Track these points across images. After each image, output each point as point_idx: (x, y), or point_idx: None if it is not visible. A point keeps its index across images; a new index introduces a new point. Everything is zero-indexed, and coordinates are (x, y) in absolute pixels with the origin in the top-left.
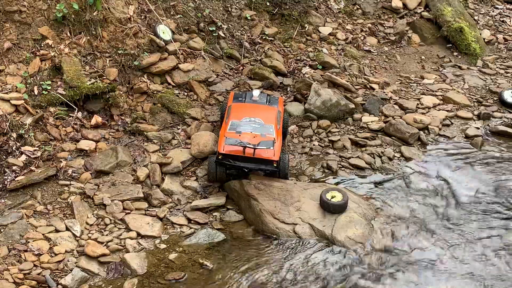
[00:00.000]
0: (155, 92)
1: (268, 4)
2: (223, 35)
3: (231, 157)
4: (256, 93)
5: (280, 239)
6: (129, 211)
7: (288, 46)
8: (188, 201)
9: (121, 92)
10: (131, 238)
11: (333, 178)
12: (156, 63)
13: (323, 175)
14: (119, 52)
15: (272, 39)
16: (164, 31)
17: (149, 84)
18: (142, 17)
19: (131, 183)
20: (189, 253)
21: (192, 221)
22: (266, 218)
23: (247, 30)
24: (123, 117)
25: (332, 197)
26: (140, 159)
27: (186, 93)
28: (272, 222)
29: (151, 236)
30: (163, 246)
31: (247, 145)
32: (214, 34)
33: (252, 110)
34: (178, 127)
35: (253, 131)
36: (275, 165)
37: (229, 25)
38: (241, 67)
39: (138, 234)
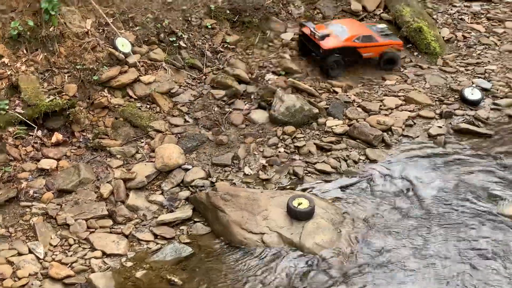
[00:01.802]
0: (116, 106)
1: (228, 12)
2: (184, 45)
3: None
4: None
5: (249, 250)
6: (93, 230)
7: (250, 54)
8: (154, 216)
9: (82, 108)
10: (96, 258)
11: (300, 184)
12: (116, 77)
13: (290, 182)
14: (78, 67)
15: (234, 47)
16: (123, 44)
17: (110, 99)
18: (100, 30)
19: (95, 200)
20: (156, 269)
21: (158, 237)
22: (233, 229)
23: (208, 39)
24: (84, 134)
25: (299, 204)
26: (103, 175)
27: (148, 106)
28: (239, 232)
29: (117, 254)
30: (129, 264)
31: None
32: (174, 44)
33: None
34: (142, 140)
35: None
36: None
37: (190, 35)
38: (204, 77)
39: (104, 253)
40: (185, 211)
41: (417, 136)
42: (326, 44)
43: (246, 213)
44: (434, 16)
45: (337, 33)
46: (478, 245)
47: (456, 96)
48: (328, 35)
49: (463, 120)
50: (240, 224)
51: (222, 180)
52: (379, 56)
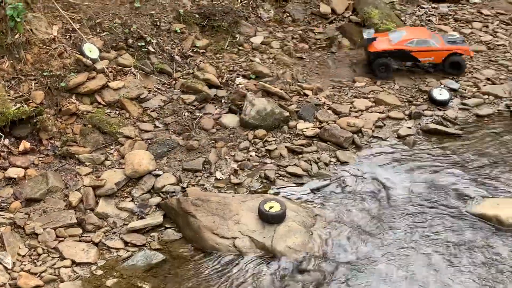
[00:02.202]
0: (85, 112)
1: (197, 16)
2: (153, 50)
3: None
4: None
5: (221, 255)
6: (62, 239)
7: (220, 58)
8: (124, 223)
9: (49, 115)
10: (66, 267)
11: (272, 188)
12: (84, 83)
13: (261, 185)
14: (45, 74)
15: (204, 51)
16: (91, 50)
17: (78, 105)
18: (67, 36)
19: (64, 209)
20: (127, 277)
21: (129, 244)
22: (205, 234)
23: (178, 44)
24: (52, 141)
25: (270, 208)
26: (72, 183)
27: (117, 112)
28: (211, 238)
29: (86, 263)
30: (99, 272)
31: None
32: (143, 49)
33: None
34: (111, 147)
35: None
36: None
37: (159, 40)
38: (174, 82)
39: (73, 262)
40: (156, 218)
41: (387, 137)
42: (374, 47)
43: (217, 218)
44: (403, 18)
45: (392, 38)
46: (447, 244)
47: (425, 97)
48: (375, 39)
49: (432, 121)
50: (211, 229)
51: (193, 185)
52: (441, 61)
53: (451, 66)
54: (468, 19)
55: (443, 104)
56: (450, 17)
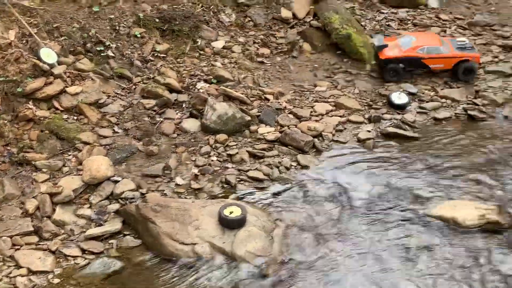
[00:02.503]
0: (42, 118)
1: (157, 20)
2: (112, 54)
3: None
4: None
5: (180, 261)
6: (18, 247)
7: (181, 62)
8: (82, 231)
9: (5, 121)
10: (22, 275)
11: (233, 192)
12: (41, 88)
13: (222, 190)
14: (1, 79)
15: (165, 55)
16: (48, 55)
17: (35, 111)
18: (24, 41)
19: (20, 216)
20: (84, 285)
21: (86, 252)
22: (164, 240)
23: (138, 48)
24: (8, 148)
25: (231, 213)
26: (28, 190)
27: (75, 117)
28: (170, 244)
29: (43, 271)
30: (56, 280)
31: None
32: (102, 54)
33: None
34: (69, 153)
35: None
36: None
37: (118, 44)
38: (134, 86)
39: (29, 271)
40: (114, 224)
41: (347, 141)
42: (385, 53)
43: (177, 224)
44: (363, 23)
45: (403, 44)
46: (406, 245)
47: (384, 101)
48: (386, 45)
49: (391, 124)
50: (170, 235)
51: (153, 191)
52: (451, 68)
53: (463, 73)
54: (426, 24)
55: (401, 108)
56: (409, 22)
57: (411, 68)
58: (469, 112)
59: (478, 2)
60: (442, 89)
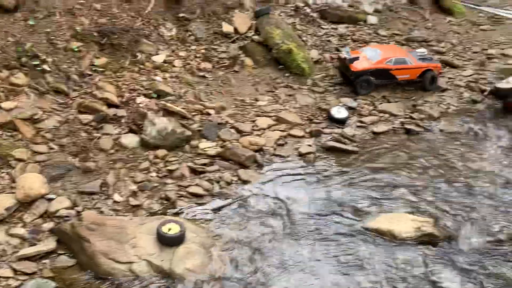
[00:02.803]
0: None
1: (95, 34)
2: (48, 69)
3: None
4: None
5: (116, 280)
6: None
7: (120, 77)
8: (14, 251)
9: None
10: None
11: (172, 209)
12: None
13: (162, 207)
14: None
15: (103, 70)
16: None
17: None
18: None
19: None
20: None
21: (18, 272)
22: (100, 259)
23: (75, 62)
24: None
25: (169, 230)
26: None
27: (9, 133)
28: (106, 263)
29: None
30: None
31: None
32: (38, 68)
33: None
34: (2, 170)
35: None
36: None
37: (55, 58)
38: (70, 101)
39: None
40: (49, 244)
41: (288, 155)
42: (357, 66)
43: (113, 242)
44: (304, 38)
45: (370, 56)
46: (344, 258)
47: (325, 115)
48: (357, 58)
49: (331, 138)
50: (107, 254)
51: (89, 208)
52: (416, 78)
53: (430, 82)
54: (365, 39)
55: (341, 122)
56: (348, 37)
57: (380, 79)
58: (406, 126)
59: (415, 18)
60: (380, 104)
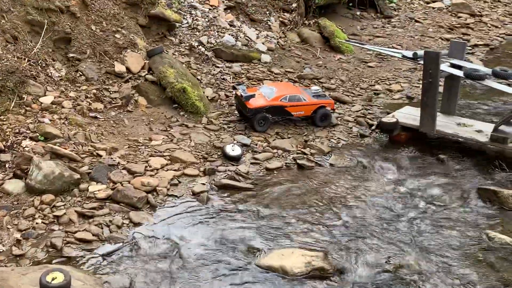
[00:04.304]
0: None
1: None
2: None
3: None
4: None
5: None
6: None
7: (4, 120)
8: None
9: None
10: None
11: (58, 257)
12: None
13: (47, 255)
14: None
15: None
16: None
17: None
18: None
19: None
20: None
21: None
22: None
23: None
24: None
25: (53, 279)
26: None
27: None
28: None
29: None
30: None
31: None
32: None
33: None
34: None
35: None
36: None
37: None
38: None
39: None
40: None
41: (182, 195)
42: (253, 103)
43: None
44: (199, 77)
45: (266, 94)
46: None
47: (219, 153)
48: (253, 96)
49: (225, 176)
50: None
51: None
52: (310, 114)
53: (321, 119)
54: (259, 77)
55: (235, 160)
56: (243, 75)
57: (276, 116)
58: (298, 161)
59: (307, 56)
60: (274, 140)
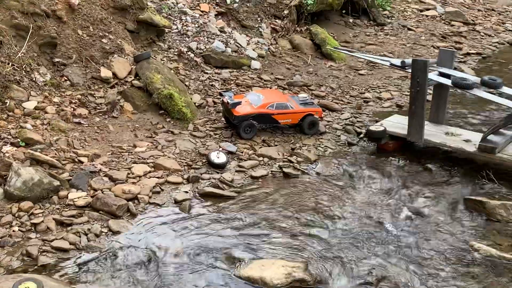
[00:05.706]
0: None
1: None
2: None
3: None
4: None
5: None
6: None
7: None
8: None
9: None
10: None
11: (33, 266)
12: None
13: (22, 264)
14: None
15: None
16: None
17: None
18: None
19: None
20: None
21: None
22: None
23: None
24: None
25: None
26: None
27: None
28: None
29: None
30: None
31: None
32: None
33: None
34: None
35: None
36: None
37: None
38: None
39: None
40: None
41: (164, 203)
42: (239, 111)
43: None
44: (187, 83)
45: (252, 101)
46: None
47: (204, 160)
48: (240, 103)
49: (209, 184)
50: None
51: None
52: (297, 122)
53: (309, 127)
54: (248, 84)
55: (220, 167)
56: (232, 82)
57: (263, 124)
58: (284, 169)
59: (299, 63)
60: (260, 148)
